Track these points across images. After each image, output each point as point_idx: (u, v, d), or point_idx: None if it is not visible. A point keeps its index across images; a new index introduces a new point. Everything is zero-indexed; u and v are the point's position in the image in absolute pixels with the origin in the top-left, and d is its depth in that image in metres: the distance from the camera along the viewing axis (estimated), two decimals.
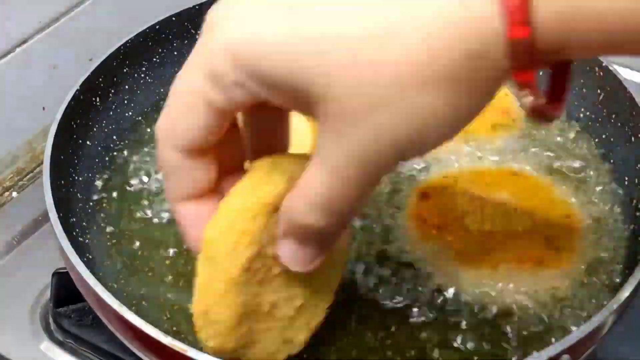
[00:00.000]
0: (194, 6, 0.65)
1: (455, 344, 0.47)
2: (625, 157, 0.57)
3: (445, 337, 0.48)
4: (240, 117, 0.40)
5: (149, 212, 0.56)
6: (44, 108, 0.70)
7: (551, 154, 0.60)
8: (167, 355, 0.41)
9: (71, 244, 0.47)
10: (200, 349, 0.41)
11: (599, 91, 0.60)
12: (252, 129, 0.40)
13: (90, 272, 0.45)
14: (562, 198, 0.55)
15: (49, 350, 0.55)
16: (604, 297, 0.49)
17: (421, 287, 0.50)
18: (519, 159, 0.59)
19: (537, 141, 0.61)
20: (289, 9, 0.32)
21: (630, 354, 0.53)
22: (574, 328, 0.48)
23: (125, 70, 0.63)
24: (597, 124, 0.60)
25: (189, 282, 0.43)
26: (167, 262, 0.53)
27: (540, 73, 0.32)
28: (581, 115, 0.62)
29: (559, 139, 0.61)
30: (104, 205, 0.57)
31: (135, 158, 0.60)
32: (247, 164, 0.41)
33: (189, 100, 0.35)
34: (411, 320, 0.48)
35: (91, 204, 0.57)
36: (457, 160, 0.58)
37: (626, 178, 0.56)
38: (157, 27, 0.64)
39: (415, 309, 0.49)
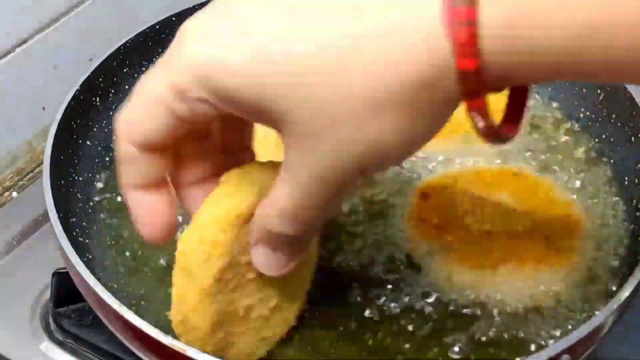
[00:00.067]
0: (194, 6, 0.64)
1: (454, 344, 0.47)
2: (625, 157, 0.57)
3: (444, 337, 0.48)
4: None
5: None
6: (44, 108, 0.70)
7: (551, 154, 0.60)
8: (167, 355, 0.41)
9: (71, 244, 0.47)
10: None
11: (598, 91, 0.60)
12: (219, 135, 0.42)
13: (90, 272, 0.45)
14: (562, 198, 0.55)
15: (49, 350, 0.55)
16: (604, 297, 0.49)
17: (421, 287, 0.50)
18: (519, 159, 0.59)
19: (537, 141, 0.61)
20: (255, 30, 0.33)
21: (630, 354, 0.53)
22: (573, 328, 0.48)
23: (125, 70, 0.63)
24: (597, 124, 0.60)
25: None
26: (167, 262, 0.52)
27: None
28: (581, 115, 0.62)
29: (559, 139, 0.61)
30: (104, 205, 0.57)
31: None
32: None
33: (151, 104, 0.36)
34: (410, 320, 0.49)
35: (91, 204, 0.57)
36: (457, 160, 0.58)
37: (626, 178, 0.56)
38: (157, 27, 0.64)
39: (414, 309, 0.49)
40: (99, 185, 0.58)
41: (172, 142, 0.38)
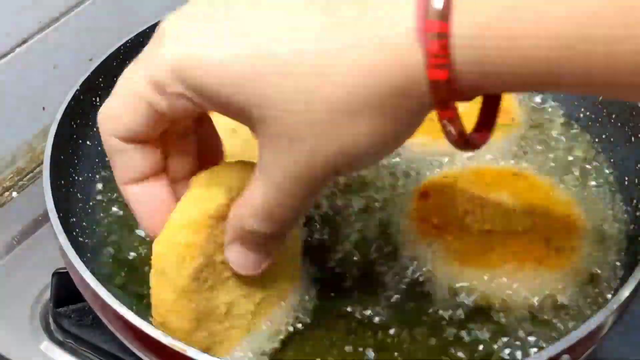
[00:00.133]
0: None
1: (454, 344, 0.47)
2: (625, 157, 0.57)
3: (444, 337, 0.48)
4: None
5: None
6: (44, 108, 0.70)
7: (551, 154, 0.60)
8: (167, 355, 0.41)
9: (71, 244, 0.47)
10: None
11: None
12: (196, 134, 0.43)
13: (90, 272, 0.45)
14: (562, 198, 0.55)
15: (49, 350, 0.55)
16: (604, 297, 0.49)
17: (421, 287, 0.50)
18: (519, 159, 0.59)
19: (537, 141, 0.61)
20: (235, 29, 0.33)
21: (630, 354, 0.53)
22: (573, 328, 0.48)
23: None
24: (597, 124, 0.61)
25: None
26: None
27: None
28: (581, 115, 0.62)
29: (559, 139, 0.61)
30: (104, 205, 0.57)
31: None
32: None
33: (131, 98, 0.37)
34: (410, 320, 0.48)
35: (91, 204, 0.57)
36: (457, 160, 0.58)
37: (626, 178, 0.56)
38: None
39: (414, 309, 0.49)
40: (99, 185, 0.58)
41: (157, 136, 0.39)
